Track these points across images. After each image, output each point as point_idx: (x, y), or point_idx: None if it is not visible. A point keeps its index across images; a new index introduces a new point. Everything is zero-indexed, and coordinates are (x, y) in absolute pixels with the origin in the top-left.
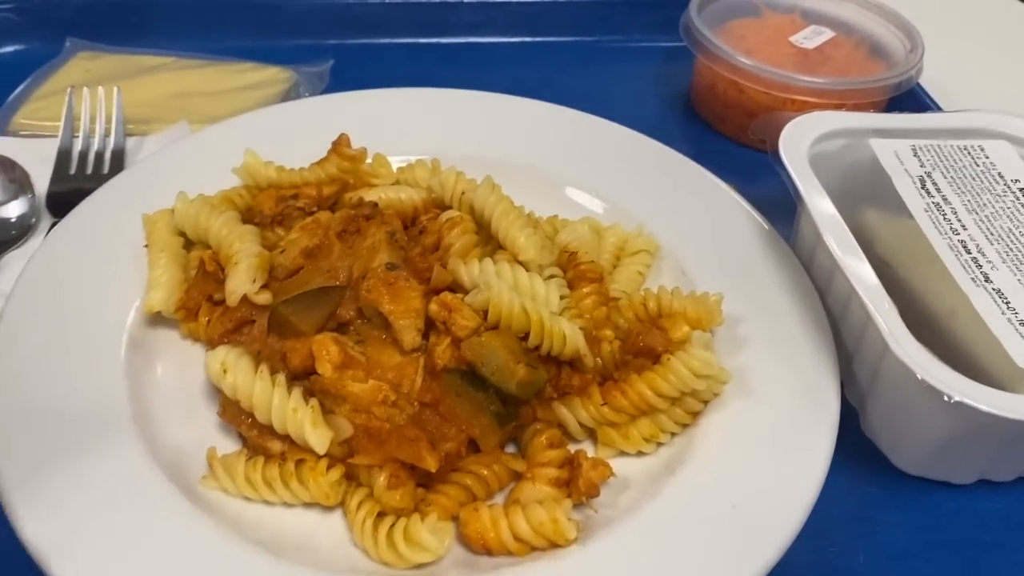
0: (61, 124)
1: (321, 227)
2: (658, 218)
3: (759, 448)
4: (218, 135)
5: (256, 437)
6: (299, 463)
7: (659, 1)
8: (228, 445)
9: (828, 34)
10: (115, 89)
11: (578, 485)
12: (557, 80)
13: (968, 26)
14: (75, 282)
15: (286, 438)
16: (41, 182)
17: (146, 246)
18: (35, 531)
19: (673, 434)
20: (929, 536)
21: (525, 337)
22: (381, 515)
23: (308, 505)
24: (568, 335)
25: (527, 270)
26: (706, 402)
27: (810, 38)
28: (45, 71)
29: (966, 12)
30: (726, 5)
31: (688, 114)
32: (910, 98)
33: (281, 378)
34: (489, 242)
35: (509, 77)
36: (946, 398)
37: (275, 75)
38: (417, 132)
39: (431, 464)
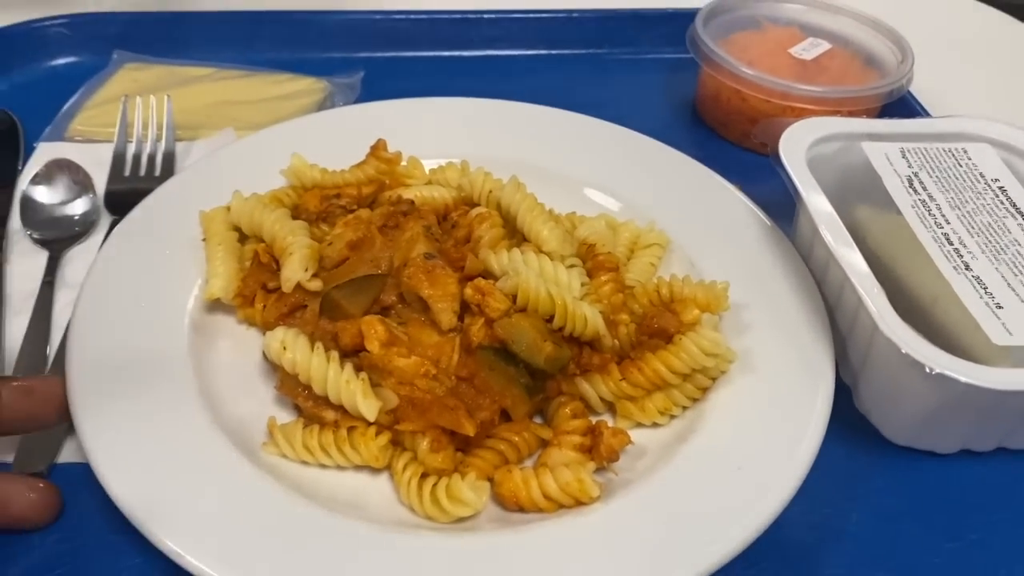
0: (116, 130)
1: (363, 223)
2: (669, 215)
3: (761, 418)
4: (265, 140)
5: (312, 407)
6: (351, 430)
7: (666, 16)
8: (284, 416)
9: (825, 46)
10: (165, 97)
11: (600, 451)
12: (571, 89)
13: (956, 38)
14: (140, 272)
15: (339, 408)
16: (99, 183)
17: (204, 240)
18: (122, 491)
19: (684, 408)
20: (916, 499)
21: (550, 320)
22: (424, 476)
23: (359, 468)
24: (589, 317)
25: (550, 260)
26: (714, 379)
27: (808, 50)
28: (96, 81)
29: (955, 25)
30: (729, 19)
31: (693, 121)
32: (901, 105)
33: (335, 354)
34: (514, 235)
35: (526, 87)
36: (928, 370)
37: (311, 85)
38: (446, 137)
39: (469, 429)
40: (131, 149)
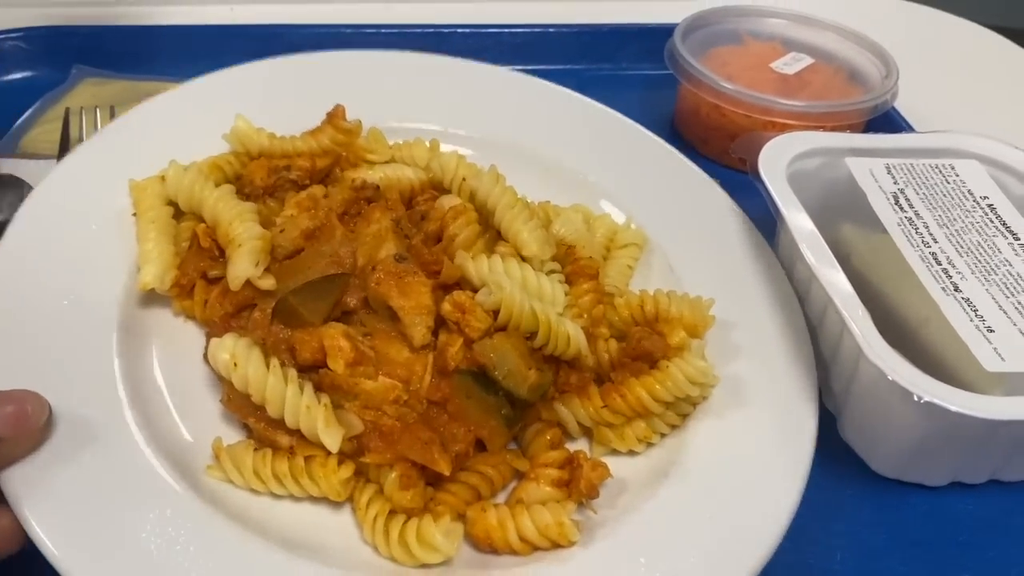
0: (58, 145)
1: (321, 208)
2: (647, 210)
3: (745, 452)
4: (204, 91)
5: (264, 430)
6: (308, 459)
7: (644, 31)
8: (230, 433)
9: (807, 61)
10: (109, 109)
11: (579, 487)
12: None
13: (941, 53)
14: (54, 259)
15: (295, 432)
16: None
17: (134, 215)
18: (40, 531)
19: (663, 434)
20: (904, 535)
21: (530, 337)
22: (392, 512)
23: (315, 499)
24: (572, 336)
25: (530, 264)
26: (695, 405)
27: (790, 64)
28: (53, 96)
29: (939, 40)
30: (709, 33)
31: (672, 138)
32: (886, 121)
33: (293, 373)
34: (489, 230)
35: None
36: (916, 398)
37: None
38: (412, 100)
39: (444, 468)
40: None
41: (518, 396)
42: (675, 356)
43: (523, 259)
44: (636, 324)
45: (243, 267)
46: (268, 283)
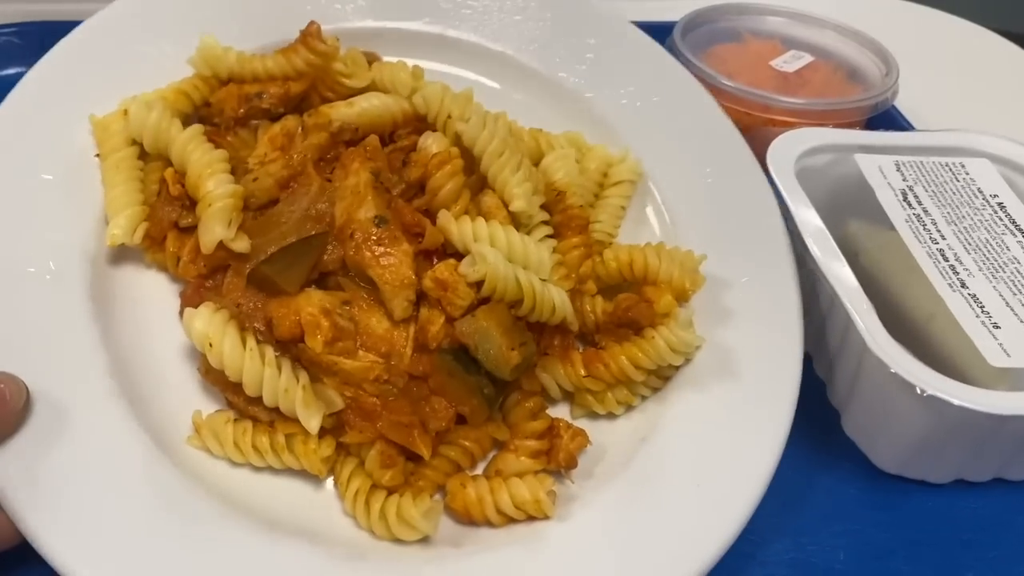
0: None
1: (296, 152)
2: (646, 136)
3: (723, 421)
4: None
5: (243, 403)
6: (289, 436)
7: (644, 28)
8: (210, 401)
9: (807, 59)
10: None
11: (557, 457)
12: None
13: (940, 53)
14: (9, 215)
15: (274, 408)
16: None
17: (97, 156)
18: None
19: (644, 397)
20: (906, 534)
21: (514, 304)
22: (373, 487)
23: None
24: (557, 305)
25: (516, 219)
26: (677, 368)
27: (790, 62)
28: None
29: (940, 39)
30: (709, 31)
31: None
32: (886, 119)
33: (270, 354)
34: (475, 172)
35: None
36: (919, 391)
37: None
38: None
39: (424, 452)
40: None
41: (500, 377)
42: (660, 323)
43: (509, 212)
44: (624, 280)
45: (215, 230)
46: (242, 245)
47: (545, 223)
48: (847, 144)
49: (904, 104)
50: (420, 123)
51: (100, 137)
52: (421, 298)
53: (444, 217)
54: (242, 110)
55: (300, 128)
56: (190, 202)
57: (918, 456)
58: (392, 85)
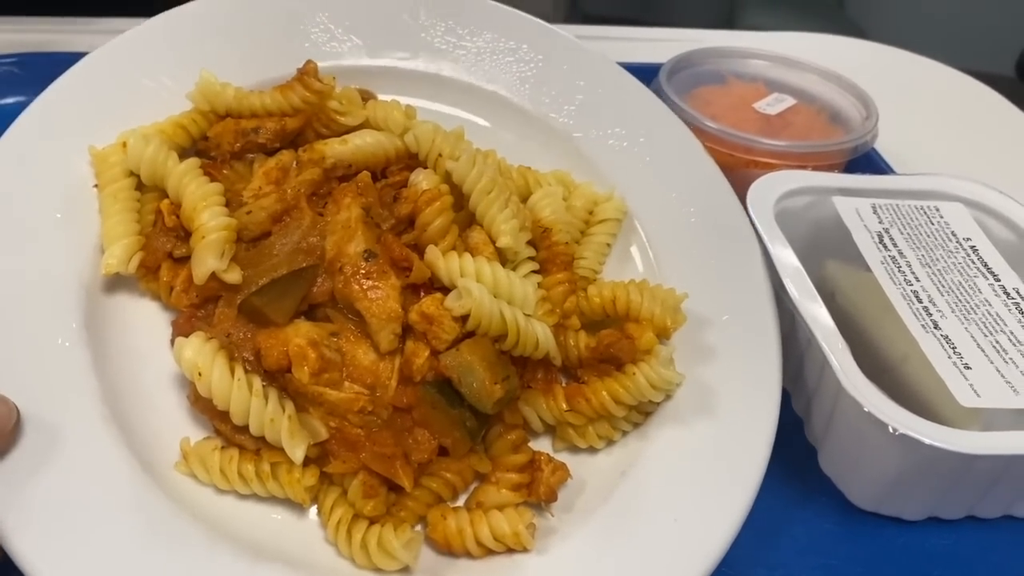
0: None
1: (290, 186)
2: (631, 177)
3: (702, 457)
4: (159, 32)
5: (230, 431)
6: (274, 465)
7: (631, 70)
8: (198, 428)
9: (790, 101)
10: None
11: (538, 490)
12: None
13: (919, 96)
14: (8, 242)
15: (260, 437)
16: None
17: (95, 187)
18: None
19: (624, 432)
20: (880, 570)
21: (498, 338)
22: (355, 517)
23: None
24: (541, 341)
25: (502, 255)
26: (657, 404)
27: (773, 105)
28: None
29: (918, 83)
30: (693, 74)
31: None
32: (866, 162)
33: (258, 384)
34: (463, 209)
35: None
36: (891, 430)
37: None
38: (390, 37)
39: (407, 484)
40: None
41: (483, 411)
42: (642, 360)
43: (496, 248)
44: (607, 315)
45: (208, 262)
46: (234, 276)
47: (531, 259)
48: (826, 187)
49: (883, 146)
50: (412, 160)
51: (99, 168)
52: (407, 331)
53: (432, 253)
54: (239, 144)
55: (295, 163)
56: (184, 233)
57: (892, 493)
58: (385, 123)
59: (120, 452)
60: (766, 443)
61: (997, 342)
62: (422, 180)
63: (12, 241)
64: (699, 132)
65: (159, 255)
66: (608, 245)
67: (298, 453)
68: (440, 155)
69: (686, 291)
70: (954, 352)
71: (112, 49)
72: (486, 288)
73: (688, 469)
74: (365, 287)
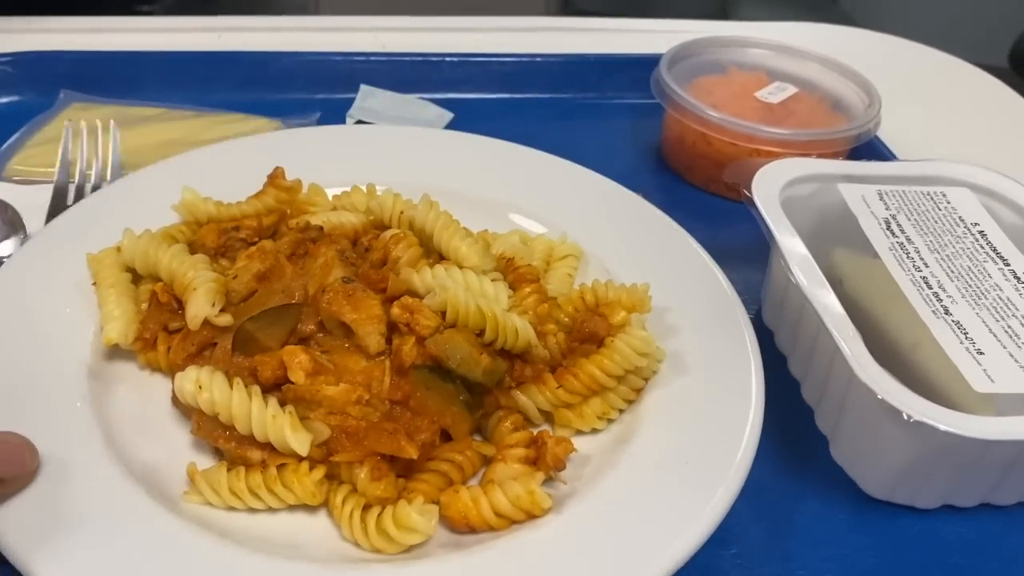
0: (58, 162)
1: (269, 252)
2: (582, 229)
3: (699, 413)
4: (154, 175)
5: (235, 449)
6: (281, 468)
7: (630, 61)
8: (204, 462)
9: (792, 90)
10: (111, 126)
11: (546, 460)
12: (533, 134)
13: (921, 85)
14: (25, 323)
15: (266, 446)
16: (34, 225)
17: (93, 284)
18: (39, 567)
19: (621, 410)
20: (893, 559)
21: (480, 334)
22: (366, 507)
23: (293, 508)
24: (520, 328)
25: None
26: (647, 379)
27: (774, 93)
28: (39, 121)
29: (920, 72)
30: (694, 63)
31: (659, 166)
32: (869, 149)
33: (257, 389)
34: (431, 255)
35: (488, 130)
36: (905, 417)
37: (263, 126)
38: (349, 164)
39: (412, 452)
40: (73, 186)
41: (474, 380)
42: (619, 332)
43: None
44: (580, 314)
45: (200, 306)
46: (225, 319)
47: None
48: (831, 174)
49: (886, 134)
50: (380, 230)
51: (95, 269)
52: (392, 332)
53: (405, 271)
54: (221, 241)
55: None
56: (178, 306)
57: (905, 482)
58: (351, 205)
59: (127, 483)
60: (756, 388)
61: (1009, 327)
62: (389, 234)
63: (27, 329)
64: (701, 122)
65: (155, 329)
66: (570, 276)
67: (303, 444)
68: (402, 212)
69: (647, 283)
70: (966, 338)
71: (109, 190)
72: (459, 286)
73: (688, 423)
74: (349, 301)
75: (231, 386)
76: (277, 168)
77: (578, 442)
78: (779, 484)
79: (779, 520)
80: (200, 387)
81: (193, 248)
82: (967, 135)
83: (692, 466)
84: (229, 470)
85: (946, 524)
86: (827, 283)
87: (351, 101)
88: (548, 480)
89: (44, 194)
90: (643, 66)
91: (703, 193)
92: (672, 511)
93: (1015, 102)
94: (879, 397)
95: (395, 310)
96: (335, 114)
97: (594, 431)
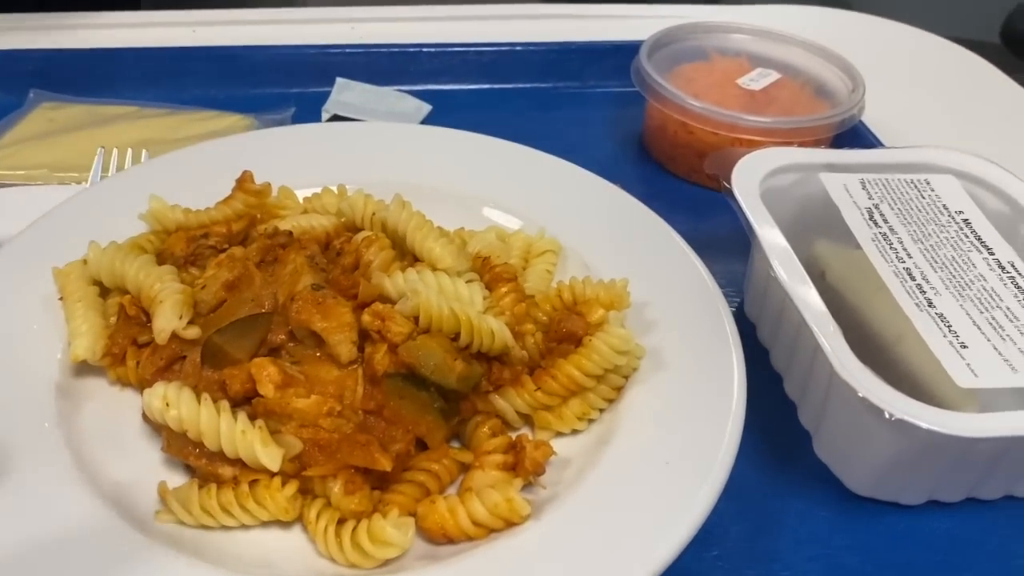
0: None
1: (238, 260)
2: (557, 222)
3: (679, 412)
4: (120, 184)
5: (206, 466)
6: (253, 484)
7: (612, 49)
8: (177, 479)
9: (774, 76)
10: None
11: (524, 466)
12: (514, 124)
13: (905, 65)
14: None
15: (236, 462)
16: (7, 229)
17: (60, 299)
18: None
19: (601, 410)
20: (879, 557)
21: (455, 338)
22: (341, 521)
23: (266, 524)
24: (496, 330)
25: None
26: (627, 377)
27: (756, 80)
28: (9, 121)
29: (905, 53)
30: (675, 50)
31: (641, 156)
32: (854, 135)
33: (226, 404)
34: (405, 257)
35: (467, 122)
36: (887, 415)
37: (236, 122)
38: (320, 164)
39: (385, 464)
40: None
41: (448, 387)
42: (597, 331)
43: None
44: (558, 312)
45: (167, 319)
46: (193, 332)
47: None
48: (813, 163)
49: (871, 118)
50: (351, 231)
51: (61, 283)
52: (364, 339)
53: (376, 275)
54: (191, 249)
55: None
56: (146, 319)
57: (890, 478)
58: (322, 207)
59: (98, 505)
60: (739, 383)
61: (993, 318)
62: (360, 233)
63: None
64: (682, 111)
65: (124, 343)
66: (549, 272)
67: (273, 457)
68: (374, 213)
69: (626, 278)
70: (949, 331)
71: (74, 201)
72: (432, 290)
73: (669, 422)
74: (318, 309)
75: (199, 401)
76: (245, 172)
77: (559, 444)
78: (762, 482)
79: (762, 519)
80: (167, 404)
81: (162, 257)
82: (954, 117)
83: (673, 467)
84: (201, 487)
85: (932, 520)
86: (808, 278)
87: (327, 95)
88: (528, 485)
89: (16, 196)
90: (625, 53)
91: (685, 183)
92: (651, 515)
93: (1002, 82)
94: (860, 395)
95: (366, 317)
96: (311, 108)
97: (575, 432)
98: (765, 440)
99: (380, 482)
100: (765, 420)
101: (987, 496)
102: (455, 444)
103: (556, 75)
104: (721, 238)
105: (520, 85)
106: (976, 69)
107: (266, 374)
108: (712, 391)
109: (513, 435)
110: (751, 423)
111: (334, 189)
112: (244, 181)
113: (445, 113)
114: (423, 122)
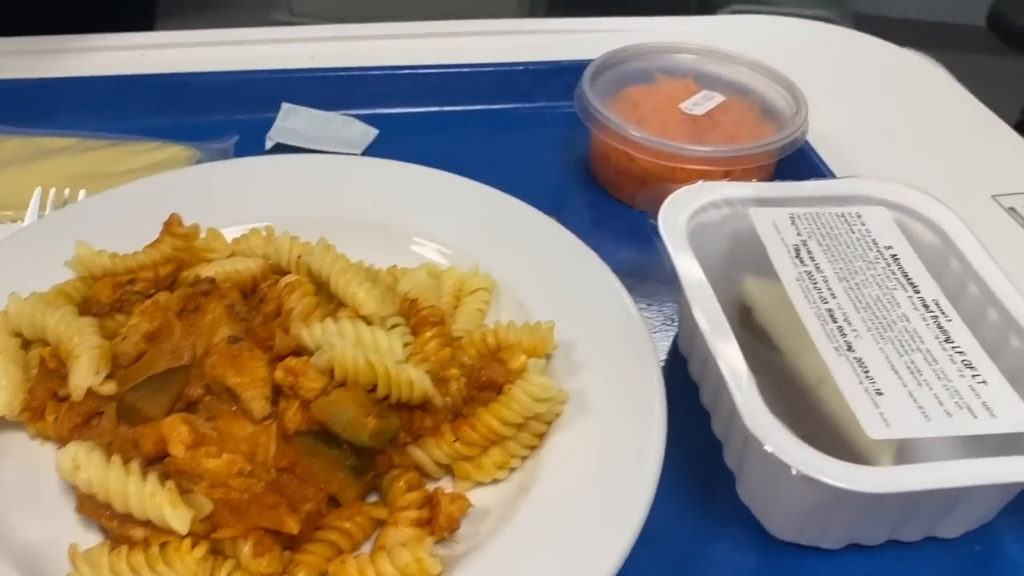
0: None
1: (160, 309)
2: (492, 257)
3: (598, 459)
4: (44, 229)
5: (117, 527)
6: (163, 546)
7: (562, 68)
8: (93, 539)
9: (719, 99)
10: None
11: (439, 522)
12: (463, 149)
13: (855, 73)
14: None
15: (148, 523)
16: None
17: None
18: None
19: (523, 457)
20: None
21: (374, 389)
22: None
23: None
24: (415, 380)
25: (370, 323)
26: (549, 423)
27: (700, 104)
28: None
29: (851, 67)
30: (621, 72)
31: (588, 180)
32: (800, 158)
33: (135, 465)
34: (332, 301)
35: (414, 146)
36: (793, 471)
37: (177, 153)
38: (251, 201)
39: (292, 527)
40: None
41: (361, 444)
42: (517, 379)
43: (363, 319)
44: (482, 357)
45: (82, 375)
46: (109, 388)
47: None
48: (744, 197)
49: (818, 133)
50: (279, 275)
51: None
52: (279, 394)
53: (295, 326)
54: (116, 295)
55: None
56: (66, 372)
57: (808, 524)
58: (250, 249)
59: (5, 567)
60: (659, 433)
61: (912, 362)
62: (284, 278)
63: None
64: (624, 141)
65: (44, 397)
66: (480, 311)
67: (182, 520)
68: (299, 257)
69: (552, 320)
70: (866, 376)
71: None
72: (349, 342)
73: (589, 469)
74: (232, 364)
75: (109, 462)
76: (172, 215)
77: (479, 493)
78: (686, 525)
79: (683, 565)
80: (77, 467)
81: (88, 304)
82: (903, 133)
83: (589, 517)
84: (112, 550)
85: (852, 563)
86: (727, 324)
87: (273, 120)
88: (443, 541)
89: None
90: (576, 72)
91: (629, 210)
92: (566, 567)
93: (957, 93)
94: (767, 449)
95: (278, 373)
96: (255, 135)
97: (496, 481)
98: (692, 478)
99: (291, 542)
100: (694, 458)
101: (909, 538)
102: (374, 498)
103: (505, 96)
104: (663, 266)
105: (469, 107)
106: (924, 74)
107: (176, 434)
108: (633, 436)
109: (432, 486)
110: (678, 461)
111: (262, 229)
112: (171, 224)
113: (392, 137)
114: (369, 148)
